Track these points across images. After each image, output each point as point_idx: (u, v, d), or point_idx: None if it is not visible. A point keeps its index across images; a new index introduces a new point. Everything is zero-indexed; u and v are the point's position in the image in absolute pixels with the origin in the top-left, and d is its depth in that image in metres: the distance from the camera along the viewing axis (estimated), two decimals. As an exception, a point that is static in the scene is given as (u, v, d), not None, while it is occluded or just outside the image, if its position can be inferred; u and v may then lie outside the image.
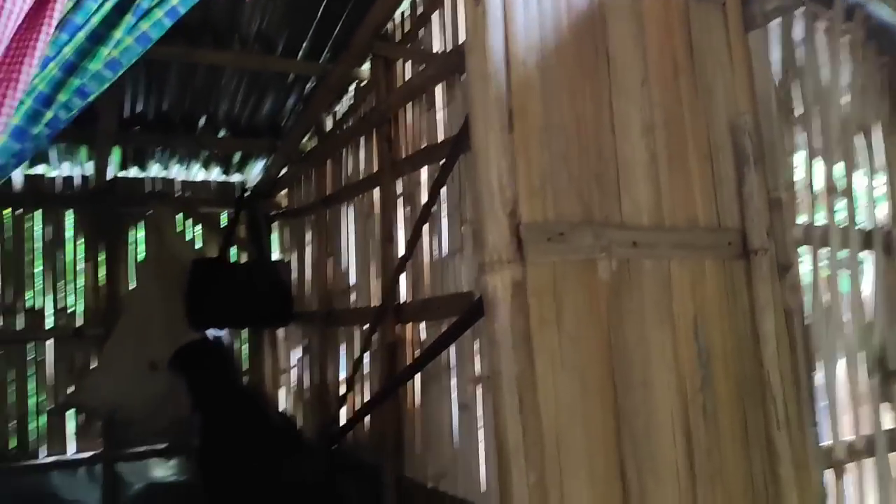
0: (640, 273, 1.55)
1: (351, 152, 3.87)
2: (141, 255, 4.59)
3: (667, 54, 1.70)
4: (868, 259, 2.14)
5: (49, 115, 1.27)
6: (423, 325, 2.86)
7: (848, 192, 2.07)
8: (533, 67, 1.48)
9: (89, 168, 4.44)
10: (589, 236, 1.47)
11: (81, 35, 1.26)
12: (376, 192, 3.41)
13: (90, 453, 4.22)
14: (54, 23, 1.19)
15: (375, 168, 3.44)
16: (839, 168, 2.05)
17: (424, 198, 2.81)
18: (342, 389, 3.65)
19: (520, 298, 1.37)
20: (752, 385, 1.65)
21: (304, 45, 3.56)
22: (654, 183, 1.61)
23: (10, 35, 1.14)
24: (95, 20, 1.28)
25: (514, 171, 1.42)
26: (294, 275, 4.60)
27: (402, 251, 2.98)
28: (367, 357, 3.40)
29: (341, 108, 4.09)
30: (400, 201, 3.22)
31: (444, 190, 2.62)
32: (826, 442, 1.88)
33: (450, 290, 2.63)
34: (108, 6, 1.28)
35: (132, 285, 4.49)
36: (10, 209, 4.31)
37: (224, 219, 4.82)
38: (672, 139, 1.66)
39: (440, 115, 2.77)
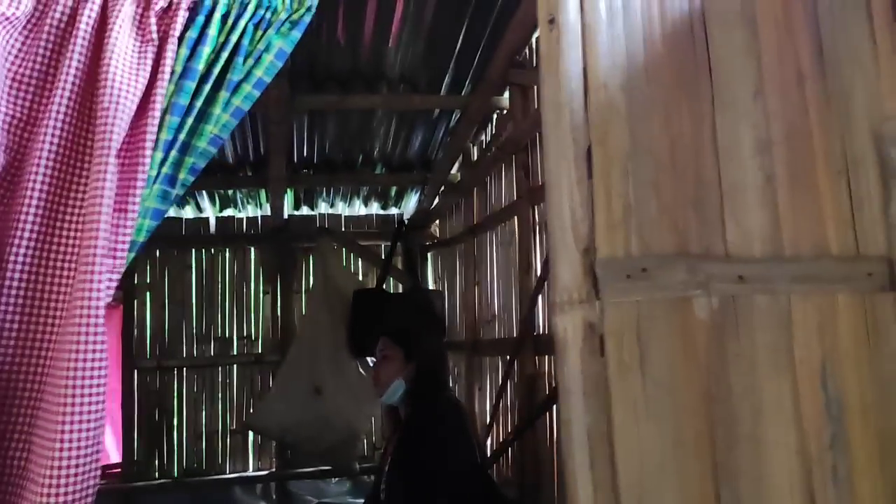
0: (751, 311, 1.36)
1: (494, 181, 3.89)
2: (311, 287, 4.96)
3: (788, 59, 1.49)
4: None
5: (174, 193, 1.41)
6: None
7: None
8: (616, 89, 1.37)
9: (268, 209, 4.91)
10: (681, 271, 1.32)
11: (188, 118, 1.39)
12: (515, 220, 3.38)
13: (266, 471, 4.60)
14: (159, 107, 1.32)
15: (515, 196, 3.42)
16: None
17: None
18: (487, 420, 3.63)
19: (592, 341, 1.26)
20: (906, 447, 1.36)
21: (446, 79, 3.66)
22: (769, 207, 1.41)
23: (128, 122, 1.29)
24: (198, 101, 1.40)
25: (591, 204, 1.31)
26: (446, 303, 4.69)
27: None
28: (509, 388, 3.36)
29: (485, 137, 4.13)
30: (537, 229, 3.16)
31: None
32: None
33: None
34: (206, 87, 1.40)
35: (304, 314, 4.87)
36: (203, 248, 4.90)
37: (383, 250, 5.07)
38: (795, 156, 1.44)
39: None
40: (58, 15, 1.26)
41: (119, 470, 4.43)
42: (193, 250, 4.79)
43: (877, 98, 1.50)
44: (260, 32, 1.39)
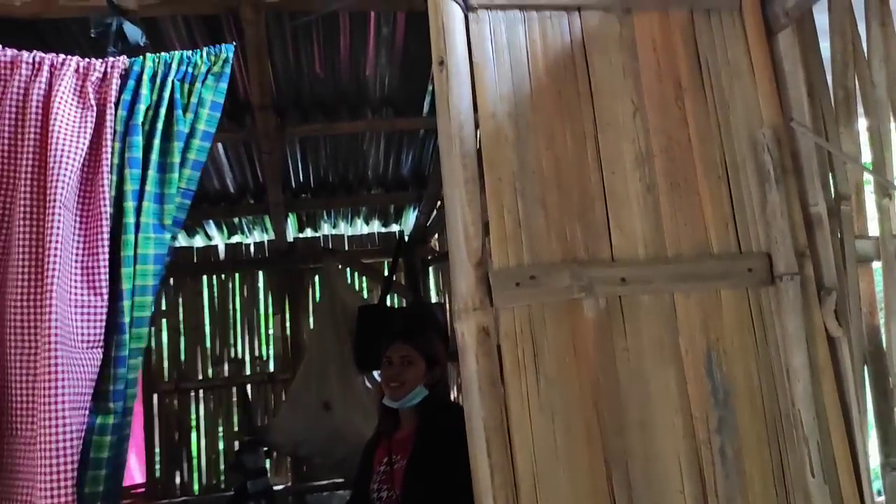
0: (636, 310, 1.50)
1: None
2: (317, 306, 5.17)
3: (668, 77, 1.63)
4: None
5: (167, 236, 1.62)
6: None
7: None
8: (504, 118, 1.54)
9: (273, 233, 5.15)
10: (565, 277, 1.47)
11: (150, 170, 1.60)
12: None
13: (282, 485, 4.80)
14: (107, 163, 1.53)
15: None
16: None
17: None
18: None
19: (487, 344, 1.42)
20: (788, 426, 1.48)
21: (426, 99, 3.83)
22: (651, 214, 1.55)
23: (74, 178, 1.50)
24: (153, 155, 1.60)
25: (483, 222, 1.48)
26: (448, 316, 4.85)
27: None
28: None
29: (470, 154, 4.29)
30: None
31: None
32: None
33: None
34: (155, 141, 1.61)
35: (311, 332, 5.08)
36: (214, 275, 5.16)
37: (386, 267, 5.26)
38: (675, 165, 1.58)
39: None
40: (15, 90, 1.49)
41: (143, 490, 4.69)
42: (205, 277, 5.05)
43: (754, 106, 1.63)
44: (187, 86, 1.60)
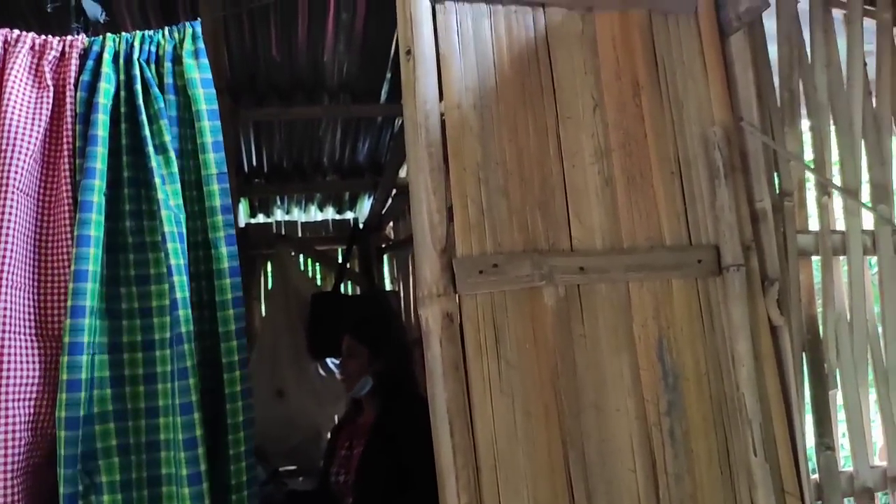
0: (593, 298, 1.56)
1: None
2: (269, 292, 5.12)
3: (626, 75, 1.69)
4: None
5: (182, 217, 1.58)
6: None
7: (882, 195, 1.87)
8: (469, 109, 1.57)
9: (225, 218, 5.07)
10: (527, 266, 1.52)
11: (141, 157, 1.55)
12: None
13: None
14: (67, 144, 1.49)
15: None
16: (865, 169, 1.87)
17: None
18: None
19: (451, 329, 1.45)
20: (733, 409, 1.57)
21: (384, 87, 3.83)
22: (608, 207, 1.61)
23: (30, 160, 1.45)
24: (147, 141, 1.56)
25: (447, 210, 1.51)
26: (402, 303, 4.87)
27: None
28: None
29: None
30: None
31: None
32: (847, 468, 1.71)
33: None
34: (145, 124, 1.56)
35: (264, 318, 5.03)
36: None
37: (340, 254, 5.24)
38: (631, 160, 1.65)
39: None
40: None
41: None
42: (154, 262, 4.96)
43: (706, 106, 1.71)
44: (153, 66, 1.57)
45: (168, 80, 1.62)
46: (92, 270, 1.43)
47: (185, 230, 1.54)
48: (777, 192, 1.74)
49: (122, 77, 1.56)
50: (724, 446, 1.57)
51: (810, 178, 1.83)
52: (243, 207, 5.02)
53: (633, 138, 1.65)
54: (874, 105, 1.90)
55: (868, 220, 1.85)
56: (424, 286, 1.48)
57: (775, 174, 1.76)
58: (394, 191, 4.85)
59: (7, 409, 1.36)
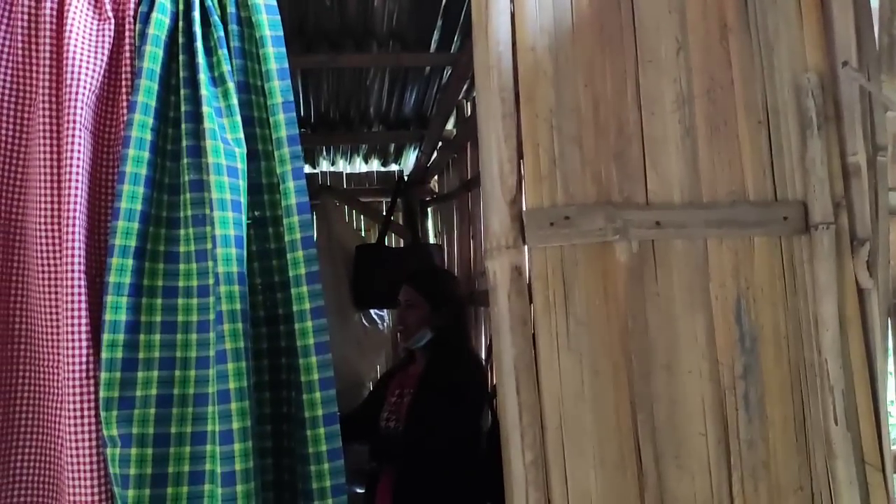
0: (669, 254, 1.48)
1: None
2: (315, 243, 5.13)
3: (713, 15, 1.57)
4: None
5: (237, 153, 1.48)
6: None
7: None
8: (544, 51, 1.48)
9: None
10: (600, 219, 1.44)
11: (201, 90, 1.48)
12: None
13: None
14: (125, 81, 1.43)
15: None
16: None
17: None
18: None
19: (519, 283, 1.40)
20: (812, 375, 1.49)
21: (435, 35, 3.71)
22: (689, 158, 1.51)
23: (92, 97, 1.39)
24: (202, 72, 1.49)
25: (519, 159, 1.43)
26: (445, 257, 4.83)
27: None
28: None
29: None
30: None
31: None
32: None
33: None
34: (200, 56, 1.48)
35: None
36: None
37: (384, 206, 5.21)
38: (716, 108, 1.54)
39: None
40: (25, 6, 1.39)
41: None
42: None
43: (799, 50, 1.58)
44: None
45: (231, 9, 1.55)
46: (139, 210, 1.37)
47: (240, 165, 1.46)
48: (871, 146, 1.62)
49: (180, 7, 1.50)
50: (801, 413, 1.50)
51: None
52: (289, 157, 4.99)
53: (718, 84, 1.54)
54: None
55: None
56: (493, 238, 1.42)
57: (870, 127, 1.63)
58: (439, 143, 4.77)
59: (87, 355, 1.33)
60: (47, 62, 1.37)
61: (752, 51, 1.57)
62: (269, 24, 1.52)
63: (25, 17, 1.41)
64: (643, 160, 1.50)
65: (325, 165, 5.23)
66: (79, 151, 1.31)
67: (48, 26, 1.36)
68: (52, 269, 1.34)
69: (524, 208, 1.42)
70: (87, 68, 1.34)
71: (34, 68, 1.42)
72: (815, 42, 1.58)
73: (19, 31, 1.40)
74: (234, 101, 1.47)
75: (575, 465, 1.38)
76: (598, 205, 1.46)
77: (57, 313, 1.33)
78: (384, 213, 5.07)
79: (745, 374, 1.48)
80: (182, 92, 1.46)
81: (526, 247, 1.41)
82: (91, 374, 1.31)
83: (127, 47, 1.42)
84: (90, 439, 1.29)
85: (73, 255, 1.30)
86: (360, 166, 5.27)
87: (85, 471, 1.28)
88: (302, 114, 4.51)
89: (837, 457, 1.42)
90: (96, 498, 1.28)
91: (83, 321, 1.31)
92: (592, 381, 1.41)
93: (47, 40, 1.38)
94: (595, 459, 1.39)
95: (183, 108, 1.45)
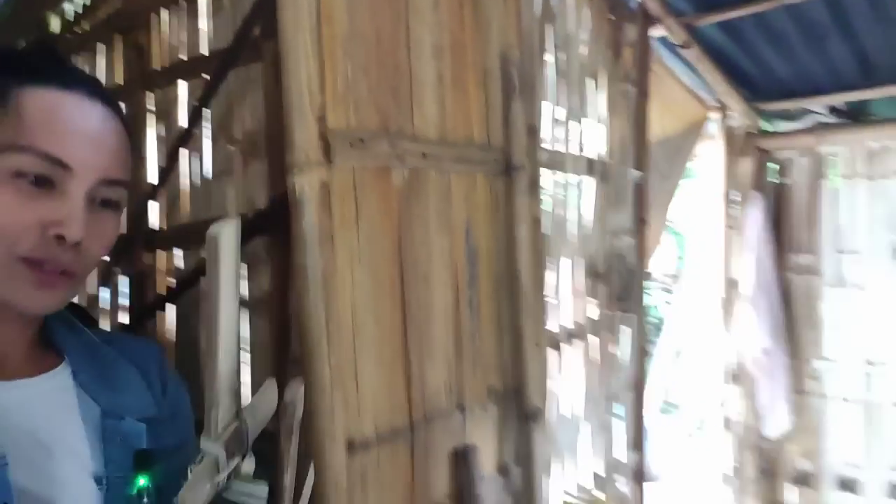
0: (427, 182, 1.73)
1: (86, 60, 3.40)
2: None
3: (455, -17, 1.85)
4: (590, 183, 2.61)
5: None
6: (180, 253, 2.72)
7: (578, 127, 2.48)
8: (339, -26, 1.52)
9: None
10: (385, 145, 1.59)
11: None
12: (123, 107, 3.07)
13: None
14: None
15: (123, 81, 3.08)
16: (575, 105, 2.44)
17: (182, 116, 2.63)
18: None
19: (325, 199, 1.45)
20: (507, 282, 1.95)
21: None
22: (440, 101, 1.78)
23: None
24: None
25: (322, 77, 1.46)
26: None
27: (152, 173, 2.77)
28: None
29: (73, 7, 3.55)
30: (152, 119, 2.95)
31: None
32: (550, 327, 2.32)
33: (213, 215, 2.52)
34: None
35: None
36: None
37: None
38: (455, 63, 1.83)
39: (203, 25, 2.57)
40: None
41: None
42: None
43: (504, 29, 1.99)
44: None
45: None
46: None
47: None
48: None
49: None
50: (497, 311, 1.95)
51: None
52: None
53: (458, 43, 1.83)
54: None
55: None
56: (300, 152, 1.42)
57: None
58: None
59: None
60: None
61: (477, 21, 1.91)
62: None
63: None
64: (410, 98, 1.70)
65: None
66: None
67: None
68: None
69: (328, 126, 1.47)
70: None
71: None
72: (514, 25, 2.01)
73: None
74: None
75: (363, 366, 1.53)
76: (381, 132, 1.60)
77: None
78: None
79: (471, 283, 1.84)
80: None
81: (330, 164, 1.47)
82: None
83: None
84: None
85: None
86: None
87: None
88: None
89: (526, 342, 1.93)
90: None
91: None
92: (376, 291, 1.57)
93: None
94: (377, 359, 1.57)
95: None
